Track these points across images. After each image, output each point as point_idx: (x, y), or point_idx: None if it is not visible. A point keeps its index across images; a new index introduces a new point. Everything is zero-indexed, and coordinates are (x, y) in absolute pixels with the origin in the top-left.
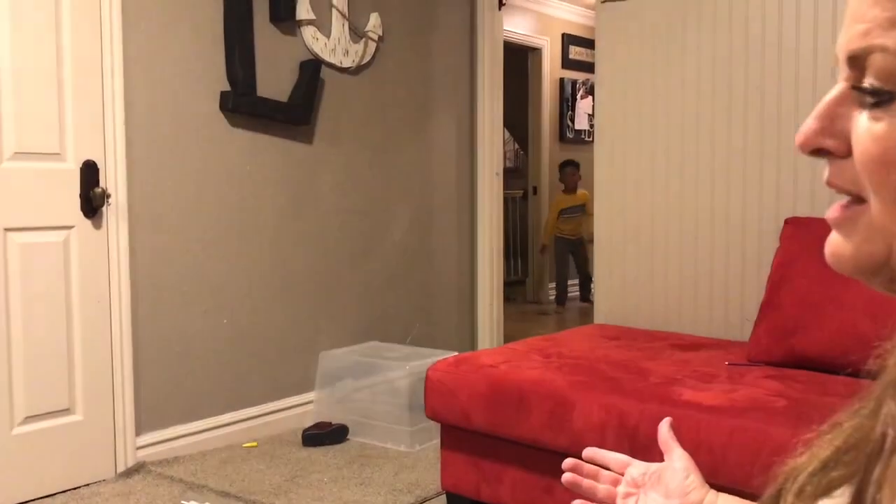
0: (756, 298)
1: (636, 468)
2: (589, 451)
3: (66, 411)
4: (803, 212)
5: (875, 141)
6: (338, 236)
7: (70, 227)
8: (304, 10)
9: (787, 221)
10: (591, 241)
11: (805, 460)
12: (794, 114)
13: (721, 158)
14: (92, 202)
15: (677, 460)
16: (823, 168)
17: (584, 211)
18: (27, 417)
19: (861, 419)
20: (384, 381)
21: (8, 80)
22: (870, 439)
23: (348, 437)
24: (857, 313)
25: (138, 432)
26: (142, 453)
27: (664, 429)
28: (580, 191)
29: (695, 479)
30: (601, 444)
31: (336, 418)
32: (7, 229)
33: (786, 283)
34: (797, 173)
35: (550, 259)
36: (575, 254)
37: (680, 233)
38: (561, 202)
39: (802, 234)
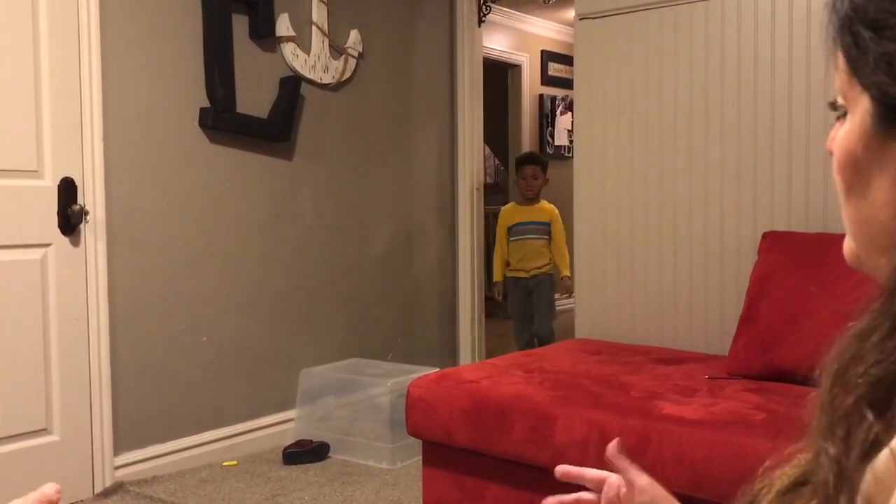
0: (735, 312)
1: (611, 486)
2: (561, 469)
3: (42, 431)
4: (781, 226)
5: (836, 146)
6: (318, 252)
7: (47, 245)
8: (283, 27)
9: (764, 235)
10: (569, 279)
11: (768, 484)
12: (770, 129)
13: (699, 173)
14: (70, 219)
15: (638, 478)
16: (800, 183)
17: (546, 233)
18: (2, 438)
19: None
20: (365, 398)
21: None
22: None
23: (329, 454)
24: (835, 327)
25: (116, 452)
26: (120, 473)
27: (612, 452)
28: (543, 202)
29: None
30: (583, 459)
31: (317, 436)
32: None
33: (764, 298)
34: (774, 188)
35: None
36: (535, 301)
37: (659, 248)
38: (510, 215)
39: (780, 248)
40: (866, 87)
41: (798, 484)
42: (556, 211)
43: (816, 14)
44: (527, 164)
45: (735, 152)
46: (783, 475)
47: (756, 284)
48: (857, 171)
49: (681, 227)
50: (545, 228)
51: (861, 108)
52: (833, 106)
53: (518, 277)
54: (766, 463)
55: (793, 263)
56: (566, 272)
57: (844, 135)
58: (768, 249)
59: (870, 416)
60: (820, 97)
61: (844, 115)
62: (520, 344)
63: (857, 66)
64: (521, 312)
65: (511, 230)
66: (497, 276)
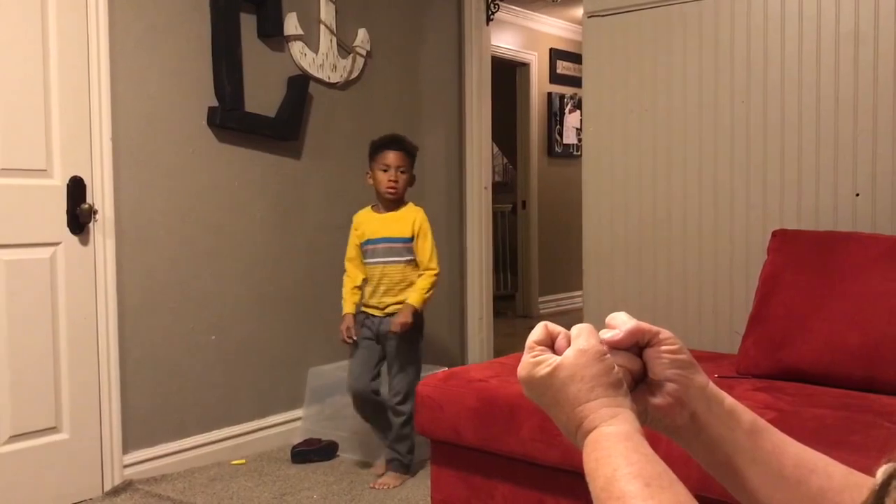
0: (744, 311)
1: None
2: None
3: (52, 429)
4: (790, 224)
5: None
6: (326, 251)
7: (57, 244)
8: (291, 26)
9: (774, 234)
10: (411, 313)
11: None
12: (779, 126)
13: (708, 171)
14: (79, 218)
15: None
16: (810, 181)
17: (410, 252)
18: (12, 436)
19: None
20: None
21: None
22: None
23: (338, 453)
24: (844, 325)
25: (125, 450)
26: (129, 471)
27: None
28: (409, 205)
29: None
30: None
31: (325, 435)
32: None
33: (773, 296)
34: (784, 186)
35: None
36: (388, 355)
37: (668, 246)
38: (362, 227)
39: (789, 246)
40: None
41: None
42: (424, 217)
43: (826, 10)
44: (388, 147)
45: (744, 150)
46: None
47: (765, 283)
48: None
49: (690, 225)
50: (408, 247)
51: None
52: None
53: (368, 314)
54: None
55: (802, 262)
56: (413, 301)
57: None
58: (778, 248)
59: None
60: (830, 94)
61: None
62: (349, 390)
63: None
64: (361, 362)
65: (363, 249)
66: (346, 306)
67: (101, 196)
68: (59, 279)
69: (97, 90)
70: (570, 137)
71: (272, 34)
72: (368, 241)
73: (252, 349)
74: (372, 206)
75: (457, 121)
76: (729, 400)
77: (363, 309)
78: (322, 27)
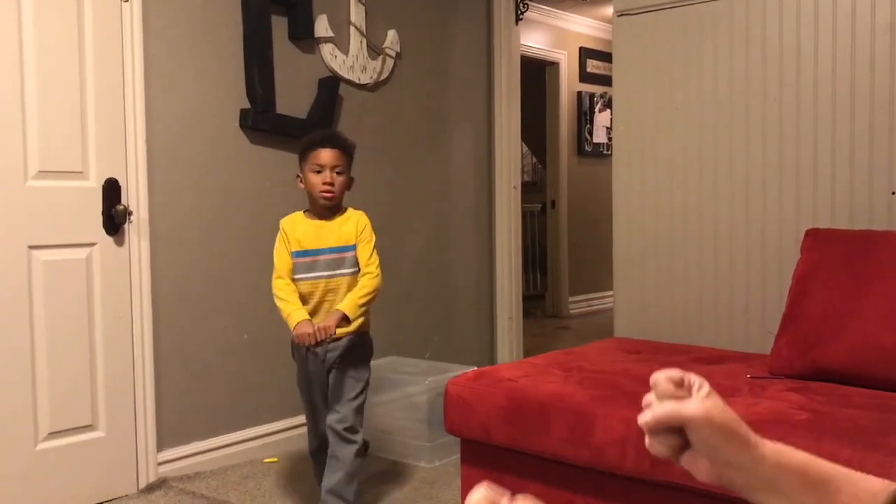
0: (777, 311)
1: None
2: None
3: (88, 427)
4: (824, 223)
5: None
6: None
7: (92, 245)
8: (322, 28)
9: (807, 233)
10: (339, 321)
11: None
12: (812, 124)
13: (740, 170)
14: (114, 219)
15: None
16: (844, 179)
17: (355, 264)
18: (51, 433)
19: None
20: (403, 396)
21: (32, 100)
22: None
23: (368, 452)
24: (880, 325)
25: (160, 448)
26: (163, 469)
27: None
28: (348, 210)
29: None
30: (622, 459)
31: None
32: (31, 247)
33: (807, 296)
34: (817, 184)
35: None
36: (333, 382)
37: (699, 245)
38: (298, 236)
39: (823, 245)
40: None
41: None
42: (368, 221)
43: (861, 3)
44: (321, 145)
45: (776, 148)
46: None
47: (799, 282)
48: None
49: (721, 224)
50: (352, 258)
51: None
52: None
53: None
54: None
55: (836, 261)
56: (345, 307)
57: None
58: (811, 247)
59: None
60: (865, 89)
61: None
62: (310, 446)
63: None
64: (309, 391)
65: (296, 262)
66: (300, 311)
67: (135, 197)
68: (95, 279)
69: (132, 94)
70: (599, 136)
71: (303, 36)
72: (305, 253)
73: (284, 348)
74: (304, 212)
75: (486, 120)
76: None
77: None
78: (352, 29)
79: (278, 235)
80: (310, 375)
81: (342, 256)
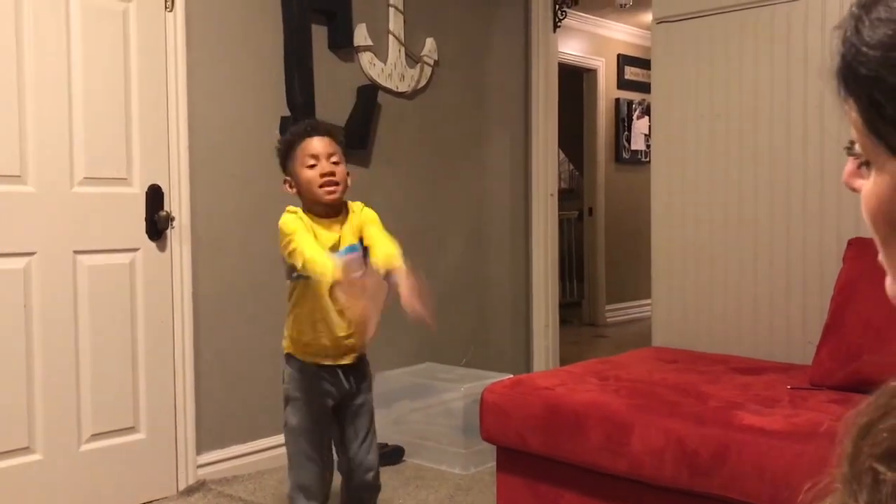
0: (818, 321)
1: None
2: None
3: (130, 429)
4: (866, 233)
5: (867, 199)
6: None
7: (136, 250)
8: (361, 37)
9: (850, 242)
10: (407, 280)
11: None
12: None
13: (780, 178)
14: (157, 225)
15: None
16: None
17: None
18: (94, 435)
19: None
20: (439, 402)
21: (80, 109)
22: None
23: (404, 458)
24: None
25: (199, 451)
26: (202, 472)
27: None
28: (356, 205)
29: None
30: (660, 469)
31: (392, 439)
32: (76, 252)
33: (849, 306)
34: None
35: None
36: (351, 417)
37: (739, 254)
38: (313, 230)
39: (866, 255)
40: None
41: None
42: (374, 215)
43: None
44: (309, 135)
45: (818, 156)
46: None
47: (841, 292)
48: (893, 226)
49: (762, 233)
50: (356, 256)
51: (891, 169)
52: (849, 150)
53: (324, 366)
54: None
55: (879, 272)
56: (396, 262)
57: (875, 190)
58: (854, 256)
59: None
60: None
61: (865, 163)
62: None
63: (882, 133)
64: (320, 433)
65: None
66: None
67: (177, 203)
68: (138, 284)
69: (175, 102)
70: (637, 143)
71: (342, 45)
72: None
73: None
74: (305, 210)
75: (523, 128)
76: None
77: (312, 360)
78: (391, 37)
79: (290, 218)
80: (324, 409)
81: (359, 255)
